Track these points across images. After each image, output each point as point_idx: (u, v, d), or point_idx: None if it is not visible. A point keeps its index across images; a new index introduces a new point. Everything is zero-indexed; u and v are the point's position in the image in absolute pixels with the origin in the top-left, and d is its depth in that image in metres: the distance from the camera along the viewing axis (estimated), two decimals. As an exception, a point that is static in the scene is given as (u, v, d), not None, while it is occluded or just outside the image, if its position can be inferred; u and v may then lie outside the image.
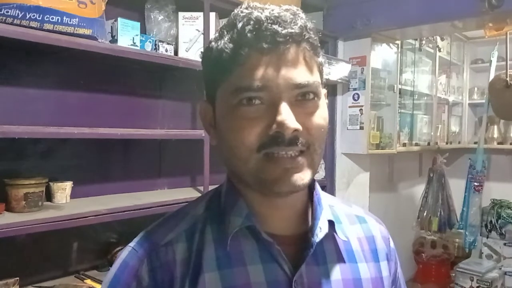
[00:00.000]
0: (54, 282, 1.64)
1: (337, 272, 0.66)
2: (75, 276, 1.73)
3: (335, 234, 0.67)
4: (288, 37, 0.58)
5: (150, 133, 1.87)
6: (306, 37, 0.60)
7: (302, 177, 0.60)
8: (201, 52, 1.92)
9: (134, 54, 1.68)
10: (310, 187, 0.69)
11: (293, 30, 0.59)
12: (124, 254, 0.65)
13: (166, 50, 1.87)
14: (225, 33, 0.62)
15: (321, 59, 0.65)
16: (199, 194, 1.99)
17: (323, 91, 0.65)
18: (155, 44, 1.84)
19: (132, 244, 0.66)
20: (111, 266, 1.99)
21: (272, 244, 0.62)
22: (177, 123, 2.10)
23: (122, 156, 1.94)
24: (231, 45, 0.60)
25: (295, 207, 0.67)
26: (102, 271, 1.79)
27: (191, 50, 1.95)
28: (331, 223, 0.67)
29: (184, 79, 2.04)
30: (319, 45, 0.64)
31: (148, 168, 2.04)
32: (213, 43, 0.64)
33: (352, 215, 0.75)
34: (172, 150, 2.09)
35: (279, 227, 0.66)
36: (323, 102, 0.64)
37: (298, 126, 0.58)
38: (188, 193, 1.99)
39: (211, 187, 0.73)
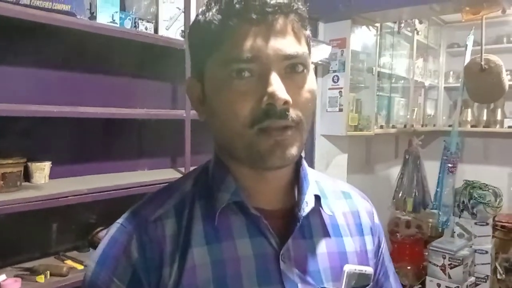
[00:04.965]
0: (34, 263, 1.62)
1: (323, 246, 0.67)
2: (55, 257, 1.72)
3: (321, 208, 0.69)
4: (276, 7, 0.58)
5: (130, 112, 1.84)
6: (294, 7, 0.60)
7: (292, 150, 0.60)
8: (182, 30, 1.90)
9: (113, 31, 1.65)
10: (297, 163, 0.69)
11: (281, 1, 0.59)
12: (112, 230, 0.64)
13: (146, 28, 1.84)
14: (213, 4, 0.61)
15: (308, 32, 0.64)
16: (180, 175, 1.99)
17: (311, 66, 0.65)
18: (135, 22, 1.80)
19: (120, 220, 0.65)
20: (91, 247, 1.96)
21: (260, 218, 0.63)
22: (157, 103, 2.07)
23: (102, 136, 1.91)
24: (219, 16, 0.59)
25: (283, 181, 0.68)
26: (82, 252, 1.78)
27: (171, 29, 1.92)
28: (317, 198, 0.68)
29: (165, 58, 2.01)
30: (307, 17, 0.64)
31: (129, 148, 2.02)
32: (200, 16, 0.63)
33: (337, 191, 0.76)
34: (153, 131, 2.07)
35: (266, 201, 0.66)
36: (312, 75, 0.64)
37: (288, 97, 0.57)
38: (169, 174, 1.98)
39: (192, 168, 0.73)
